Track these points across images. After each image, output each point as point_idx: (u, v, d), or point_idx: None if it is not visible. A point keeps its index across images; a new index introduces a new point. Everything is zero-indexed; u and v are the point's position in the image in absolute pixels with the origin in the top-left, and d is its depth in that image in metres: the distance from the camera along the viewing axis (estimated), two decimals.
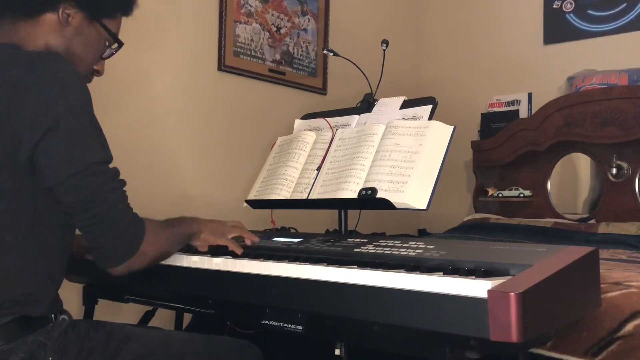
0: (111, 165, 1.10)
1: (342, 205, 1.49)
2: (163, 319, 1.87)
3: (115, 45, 1.25)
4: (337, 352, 1.07)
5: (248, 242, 1.32)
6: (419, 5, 3.59)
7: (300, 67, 2.80)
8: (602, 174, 2.59)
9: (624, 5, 2.83)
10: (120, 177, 1.11)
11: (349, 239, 1.27)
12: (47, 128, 0.99)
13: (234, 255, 1.24)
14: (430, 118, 1.45)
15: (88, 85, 1.25)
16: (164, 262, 1.24)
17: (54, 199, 1.05)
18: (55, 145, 1.00)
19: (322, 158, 1.56)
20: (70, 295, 1.09)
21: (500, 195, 2.86)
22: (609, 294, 1.14)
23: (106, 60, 1.27)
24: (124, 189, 1.11)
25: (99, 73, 1.26)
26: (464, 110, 3.14)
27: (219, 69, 2.45)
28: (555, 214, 2.69)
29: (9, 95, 1.00)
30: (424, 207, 1.30)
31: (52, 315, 1.09)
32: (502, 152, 2.83)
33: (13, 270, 1.03)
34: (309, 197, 1.50)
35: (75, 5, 1.15)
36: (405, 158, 1.37)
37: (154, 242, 1.13)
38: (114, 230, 1.06)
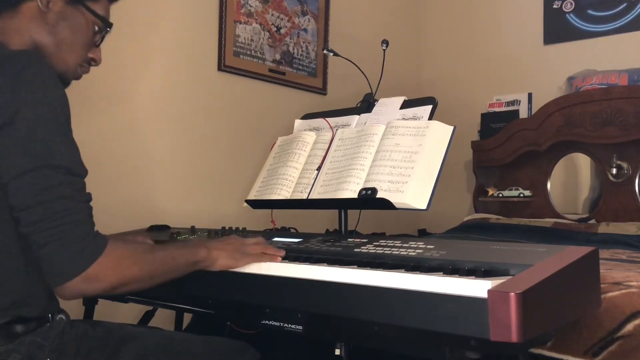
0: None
1: (342, 205, 1.49)
2: (163, 319, 1.87)
3: (107, 29, 1.20)
4: (337, 352, 1.06)
5: (277, 260, 1.16)
6: (419, 5, 3.59)
7: (300, 67, 2.80)
8: (602, 174, 2.59)
9: (624, 5, 2.83)
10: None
11: (349, 239, 1.27)
12: (2, 123, 0.95)
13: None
14: (430, 118, 1.45)
15: (86, 76, 1.21)
16: None
17: None
18: (8, 141, 0.95)
19: (322, 158, 1.56)
20: None
21: (500, 195, 2.86)
22: (609, 294, 1.14)
23: (105, 60, 1.26)
24: (90, 204, 1.03)
25: (95, 62, 1.22)
26: (464, 110, 3.14)
27: (219, 69, 2.45)
28: (555, 214, 2.69)
29: None
30: (424, 207, 1.30)
31: (49, 315, 1.08)
32: (502, 152, 2.83)
33: (3, 272, 1.01)
34: (309, 197, 1.50)
35: None
36: (405, 158, 1.37)
37: (116, 268, 1.00)
38: (61, 240, 0.95)
